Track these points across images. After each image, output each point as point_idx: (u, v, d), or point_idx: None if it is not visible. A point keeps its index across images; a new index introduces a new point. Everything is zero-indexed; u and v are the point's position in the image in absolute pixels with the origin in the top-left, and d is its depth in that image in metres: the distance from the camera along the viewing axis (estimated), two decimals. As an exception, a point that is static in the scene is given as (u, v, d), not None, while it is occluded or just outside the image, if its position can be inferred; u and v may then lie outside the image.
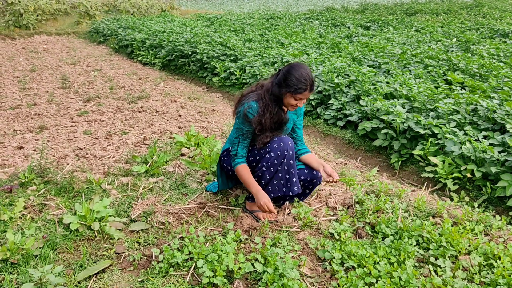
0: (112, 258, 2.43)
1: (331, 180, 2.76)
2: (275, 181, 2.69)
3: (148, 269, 2.33)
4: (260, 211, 2.85)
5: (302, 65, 2.55)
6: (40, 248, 2.44)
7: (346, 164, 4.14)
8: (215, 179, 3.39)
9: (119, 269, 2.34)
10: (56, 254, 2.43)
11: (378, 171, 4.05)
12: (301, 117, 2.93)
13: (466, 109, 4.42)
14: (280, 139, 2.66)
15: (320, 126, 5.30)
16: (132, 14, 18.10)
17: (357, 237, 2.67)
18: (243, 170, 2.69)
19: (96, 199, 2.84)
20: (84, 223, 2.63)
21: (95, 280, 2.24)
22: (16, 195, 3.10)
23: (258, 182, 2.70)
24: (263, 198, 2.63)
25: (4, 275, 2.21)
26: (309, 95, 2.58)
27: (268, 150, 2.66)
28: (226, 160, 2.88)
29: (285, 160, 2.64)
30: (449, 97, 4.78)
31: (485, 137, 3.91)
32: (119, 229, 2.68)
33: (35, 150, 4.19)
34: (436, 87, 5.43)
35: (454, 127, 4.10)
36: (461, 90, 5.16)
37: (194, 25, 13.01)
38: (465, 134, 3.96)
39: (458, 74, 5.96)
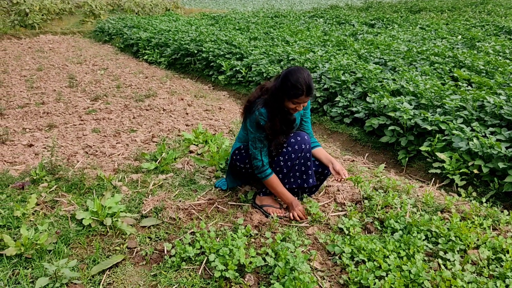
0: (124, 253, 2.46)
1: (339, 179, 2.77)
2: (291, 174, 2.78)
3: (160, 263, 2.37)
4: (269, 206, 2.89)
5: (301, 69, 2.54)
6: (53, 243, 2.48)
7: (354, 160, 4.16)
8: (224, 176, 3.42)
9: (132, 264, 2.37)
10: (70, 249, 2.47)
11: (385, 167, 4.06)
12: (308, 110, 2.96)
13: (473, 105, 4.43)
14: (297, 133, 2.74)
15: (327, 123, 5.32)
16: (136, 13, 18.17)
17: (366, 232, 2.70)
18: (275, 181, 2.79)
19: (108, 195, 2.88)
20: (96, 218, 2.67)
21: (108, 274, 2.27)
22: (28, 192, 3.14)
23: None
24: (299, 204, 2.82)
25: (19, 269, 2.24)
26: (307, 100, 2.58)
27: (285, 145, 2.72)
28: (238, 158, 2.92)
29: (302, 153, 2.71)
30: (456, 94, 4.78)
31: (492, 133, 3.91)
32: (131, 225, 2.72)
33: (45, 147, 4.24)
34: (443, 84, 5.43)
35: (461, 123, 4.10)
36: (467, 86, 5.16)
37: (199, 24, 13.04)
38: (472, 130, 3.97)
39: (464, 71, 5.95)
